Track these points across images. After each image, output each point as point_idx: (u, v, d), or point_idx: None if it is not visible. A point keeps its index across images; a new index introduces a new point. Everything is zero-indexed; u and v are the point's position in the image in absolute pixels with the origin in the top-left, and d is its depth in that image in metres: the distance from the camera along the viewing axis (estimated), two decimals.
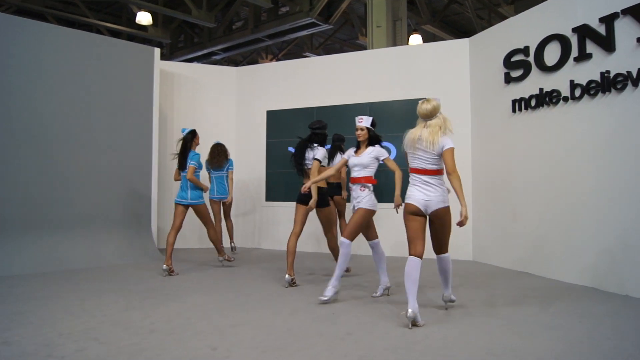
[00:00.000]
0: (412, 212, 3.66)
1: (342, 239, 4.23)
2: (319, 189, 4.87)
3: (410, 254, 3.60)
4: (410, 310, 3.43)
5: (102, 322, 3.62)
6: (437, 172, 3.67)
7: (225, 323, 3.61)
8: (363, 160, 4.35)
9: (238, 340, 3.23)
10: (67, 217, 6.36)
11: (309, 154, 4.97)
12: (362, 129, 4.44)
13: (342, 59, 8.20)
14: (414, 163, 3.73)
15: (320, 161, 4.90)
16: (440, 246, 3.79)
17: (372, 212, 4.33)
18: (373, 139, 4.45)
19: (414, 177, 3.72)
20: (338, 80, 7.88)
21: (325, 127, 5.13)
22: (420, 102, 3.83)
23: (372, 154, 4.37)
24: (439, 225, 3.69)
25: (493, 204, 6.42)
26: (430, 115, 3.74)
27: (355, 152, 4.47)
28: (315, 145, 5.01)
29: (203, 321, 3.67)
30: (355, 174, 4.38)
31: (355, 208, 4.34)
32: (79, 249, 6.30)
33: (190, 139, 5.72)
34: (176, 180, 5.80)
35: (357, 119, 4.50)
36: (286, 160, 7.61)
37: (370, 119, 4.50)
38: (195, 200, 5.65)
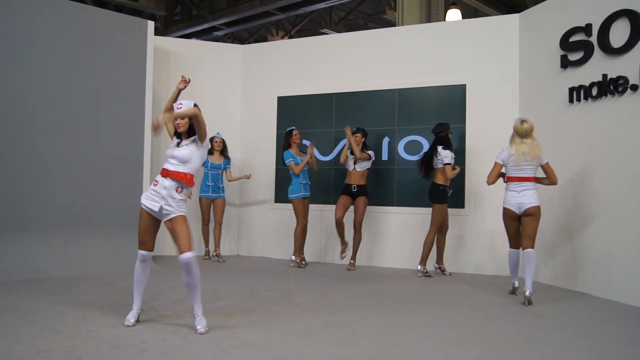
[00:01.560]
0: (511, 216, 5.35)
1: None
2: (441, 186, 6.52)
3: (510, 247, 5.52)
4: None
5: (86, 340, 3.67)
6: (535, 179, 5.34)
7: (227, 343, 3.65)
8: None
9: None
10: (44, 217, 6.44)
11: (436, 159, 6.53)
12: None
13: (366, 36, 8.19)
14: (516, 173, 5.30)
15: (450, 164, 6.47)
16: (528, 239, 5.24)
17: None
18: None
19: (515, 184, 5.30)
20: (361, 62, 7.88)
21: (447, 128, 6.59)
22: (518, 120, 5.35)
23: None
24: (530, 220, 5.24)
25: (542, 211, 6.36)
26: (528, 134, 5.28)
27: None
28: (440, 148, 6.51)
29: (202, 340, 3.70)
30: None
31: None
32: (58, 254, 6.37)
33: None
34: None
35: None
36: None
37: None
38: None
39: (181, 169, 4.04)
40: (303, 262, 7.37)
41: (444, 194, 6.58)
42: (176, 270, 6.85)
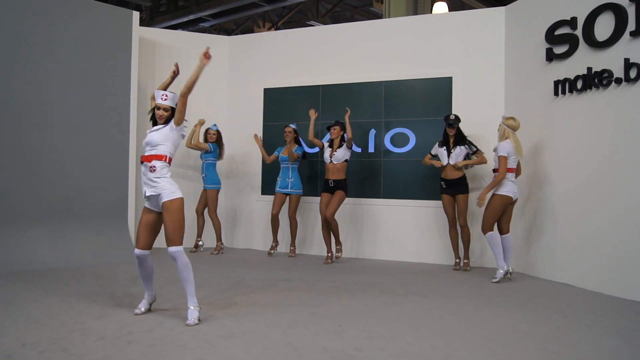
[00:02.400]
0: (508, 203, 5.89)
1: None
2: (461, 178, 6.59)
3: (492, 231, 5.87)
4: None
5: (72, 331, 3.66)
6: None
7: (214, 334, 3.66)
8: None
9: (229, 355, 3.27)
10: (31, 210, 6.40)
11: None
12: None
13: (353, 29, 8.19)
14: (512, 164, 5.86)
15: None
16: (509, 225, 6.01)
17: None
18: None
19: (511, 175, 5.87)
20: (348, 54, 7.88)
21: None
22: (511, 118, 5.93)
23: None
24: (512, 208, 6.01)
25: (529, 205, 6.44)
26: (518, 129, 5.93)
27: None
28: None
29: (189, 331, 3.71)
30: None
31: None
32: (45, 246, 6.34)
33: None
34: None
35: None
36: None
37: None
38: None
39: (153, 152, 4.07)
40: (271, 251, 7.58)
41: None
42: (164, 262, 6.85)
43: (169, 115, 4.15)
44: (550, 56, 6.12)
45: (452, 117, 6.44)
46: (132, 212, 7.37)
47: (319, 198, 7.19)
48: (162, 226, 4.09)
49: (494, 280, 5.78)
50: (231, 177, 8.43)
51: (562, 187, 5.95)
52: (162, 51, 8.30)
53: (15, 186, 6.33)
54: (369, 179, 7.58)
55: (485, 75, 7.07)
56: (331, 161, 7.00)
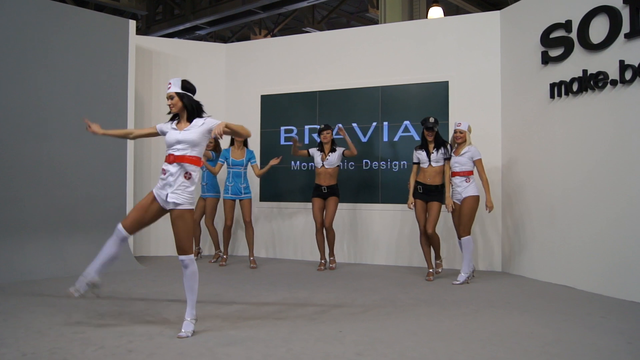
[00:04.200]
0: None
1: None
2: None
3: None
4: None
5: (72, 341, 3.65)
6: None
7: (214, 342, 3.64)
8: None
9: None
10: (28, 219, 6.38)
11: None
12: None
13: (349, 34, 8.20)
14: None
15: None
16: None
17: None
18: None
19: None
20: (344, 60, 7.90)
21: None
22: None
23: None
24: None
25: (526, 207, 6.45)
26: None
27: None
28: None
29: (189, 339, 3.70)
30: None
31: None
32: (42, 256, 6.32)
33: None
34: None
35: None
36: (283, 153, 7.65)
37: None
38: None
39: (188, 152, 3.87)
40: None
41: None
42: (163, 271, 6.85)
43: (181, 105, 3.95)
44: (546, 59, 6.15)
45: (431, 119, 6.17)
46: None
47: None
48: (172, 232, 3.89)
49: (457, 282, 5.95)
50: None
51: (560, 189, 5.96)
52: (159, 59, 8.32)
53: (13, 196, 6.31)
54: (366, 183, 7.58)
55: (482, 79, 7.09)
56: (323, 165, 6.87)
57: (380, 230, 7.49)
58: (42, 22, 6.72)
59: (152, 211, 3.97)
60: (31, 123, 6.52)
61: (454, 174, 6.09)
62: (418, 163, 6.29)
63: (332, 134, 6.93)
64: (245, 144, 7.22)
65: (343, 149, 6.90)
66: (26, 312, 4.45)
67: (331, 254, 7.01)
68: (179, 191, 3.84)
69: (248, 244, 7.24)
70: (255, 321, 4.23)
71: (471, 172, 6.05)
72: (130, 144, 7.40)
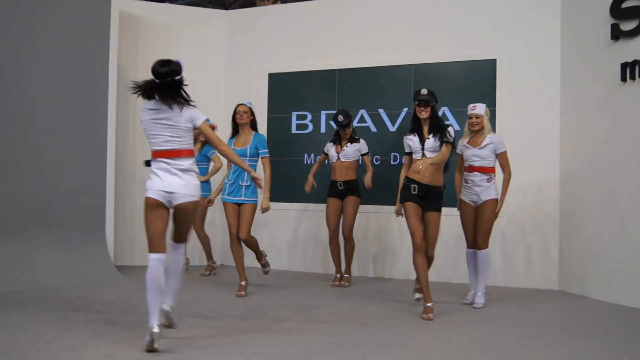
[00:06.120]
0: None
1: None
2: None
3: None
4: None
5: None
6: None
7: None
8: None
9: None
10: None
11: None
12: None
13: (376, 1, 8.17)
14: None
15: None
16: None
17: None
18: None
19: None
20: (370, 31, 7.88)
21: None
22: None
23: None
24: None
25: (590, 211, 6.38)
26: None
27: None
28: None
29: (192, 358, 3.71)
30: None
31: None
32: (8, 263, 6.31)
33: None
34: None
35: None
36: (294, 144, 7.64)
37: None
38: None
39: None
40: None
41: None
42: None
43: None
44: (617, 34, 6.09)
45: (423, 90, 5.37)
46: (110, 222, 7.38)
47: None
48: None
49: (478, 305, 5.73)
50: None
51: (632, 194, 5.90)
52: (147, 28, 8.34)
53: None
54: (394, 182, 7.51)
55: (537, 57, 7.03)
56: (338, 158, 6.82)
57: (403, 238, 7.43)
58: None
59: (166, 217, 4.27)
60: None
61: (471, 169, 5.74)
62: (410, 153, 5.50)
63: (352, 125, 6.86)
64: (253, 126, 6.38)
65: (365, 146, 6.82)
66: None
67: (347, 269, 6.89)
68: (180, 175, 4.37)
69: (237, 266, 6.26)
70: (263, 343, 4.22)
71: (493, 169, 5.74)
72: (111, 131, 7.41)
